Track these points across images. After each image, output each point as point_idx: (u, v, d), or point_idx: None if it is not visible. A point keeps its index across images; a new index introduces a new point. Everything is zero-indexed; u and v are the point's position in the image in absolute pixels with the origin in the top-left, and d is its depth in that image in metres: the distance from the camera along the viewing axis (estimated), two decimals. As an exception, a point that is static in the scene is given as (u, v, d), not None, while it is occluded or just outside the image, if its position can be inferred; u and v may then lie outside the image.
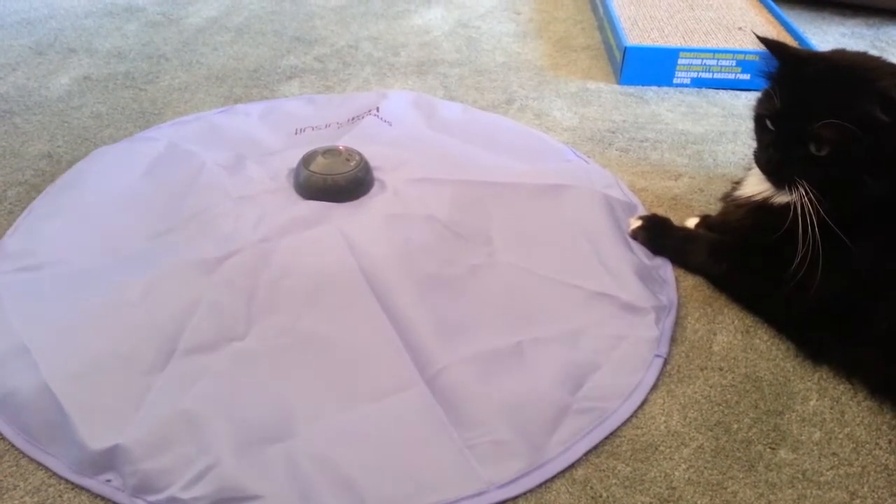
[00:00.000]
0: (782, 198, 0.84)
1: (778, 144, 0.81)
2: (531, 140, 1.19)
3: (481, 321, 0.82)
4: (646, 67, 1.39)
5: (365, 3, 1.75)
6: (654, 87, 1.39)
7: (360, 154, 0.99)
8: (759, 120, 0.85)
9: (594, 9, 1.71)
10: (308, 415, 0.70)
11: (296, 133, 1.15)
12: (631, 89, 1.39)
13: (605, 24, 1.55)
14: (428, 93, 1.35)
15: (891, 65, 0.81)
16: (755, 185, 0.90)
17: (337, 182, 0.94)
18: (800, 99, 0.79)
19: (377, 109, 1.19)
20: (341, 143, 1.03)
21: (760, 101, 0.86)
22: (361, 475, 0.66)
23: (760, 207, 0.88)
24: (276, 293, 0.81)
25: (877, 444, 0.72)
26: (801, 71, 0.82)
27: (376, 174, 1.00)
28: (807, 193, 0.78)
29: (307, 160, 0.96)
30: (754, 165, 0.90)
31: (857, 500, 0.67)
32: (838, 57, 0.85)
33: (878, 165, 0.76)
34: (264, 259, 0.84)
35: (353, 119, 1.18)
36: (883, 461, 0.71)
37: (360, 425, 0.70)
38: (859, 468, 0.70)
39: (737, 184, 0.96)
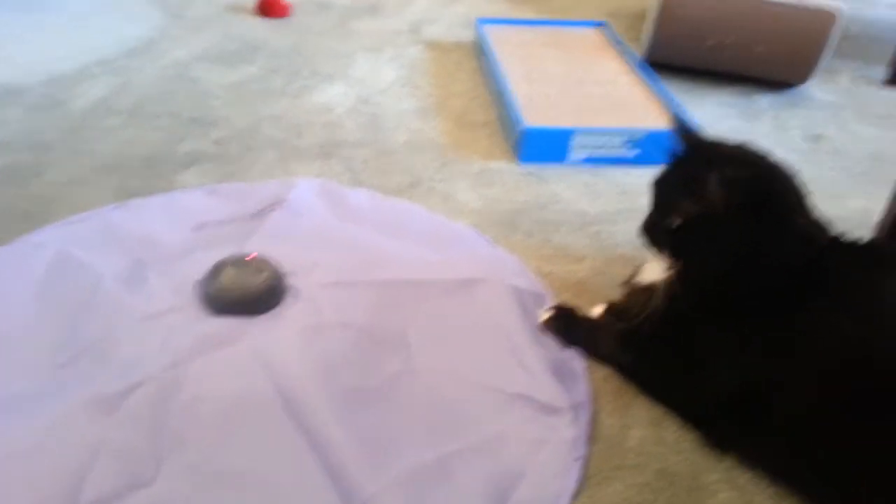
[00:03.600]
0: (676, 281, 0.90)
1: (654, 211, 0.93)
2: (439, 227, 1.20)
3: (404, 435, 0.81)
4: (543, 147, 1.44)
5: (264, 80, 1.74)
6: (552, 166, 1.45)
7: (270, 264, 0.97)
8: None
9: (488, 84, 1.77)
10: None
11: (196, 230, 1.12)
12: (530, 168, 1.44)
13: (501, 101, 1.60)
14: (333, 178, 1.35)
15: (755, 160, 0.89)
16: (655, 271, 0.95)
17: (248, 296, 0.92)
18: (671, 174, 0.92)
19: (286, 202, 1.17)
20: (250, 249, 1.00)
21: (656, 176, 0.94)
22: None
23: (655, 291, 0.93)
24: (187, 424, 0.77)
25: (783, 534, 0.77)
26: (685, 152, 0.92)
27: (289, 280, 0.98)
28: (673, 264, 0.88)
29: (216, 272, 0.93)
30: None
31: None
32: (724, 146, 0.93)
33: (721, 247, 0.85)
34: (173, 387, 0.80)
35: (259, 212, 1.16)
36: (791, 553, 0.75)
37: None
38: (771, 563, 0.74)
39: (637, 269, 1.01)
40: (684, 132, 0.93)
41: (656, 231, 0.92)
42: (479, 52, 1.92)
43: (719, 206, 0.83)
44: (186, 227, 1.11)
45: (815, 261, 0.83)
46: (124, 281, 0.96)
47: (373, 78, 1.80)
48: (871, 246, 0.94)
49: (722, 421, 0.86)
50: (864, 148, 1.63)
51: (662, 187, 0.92)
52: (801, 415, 0.79)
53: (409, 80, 1.80)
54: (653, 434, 0.88)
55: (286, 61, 1.85)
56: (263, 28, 2.06)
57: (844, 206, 1.38)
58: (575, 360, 0.96)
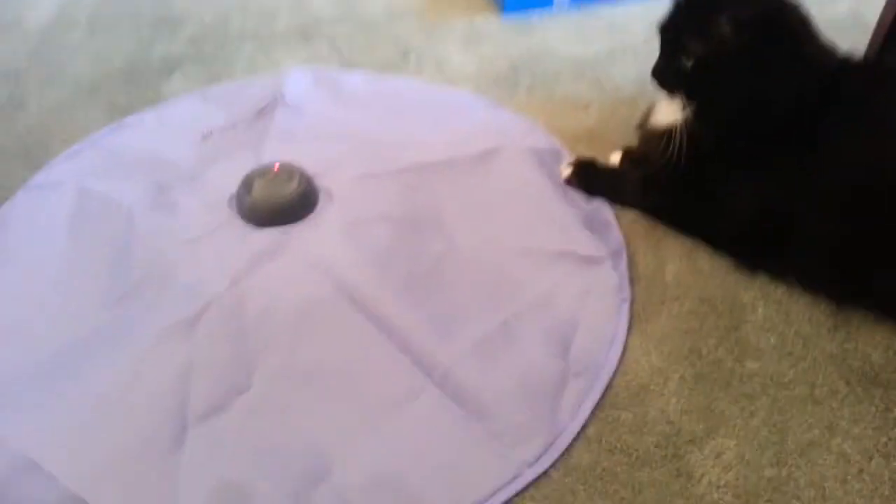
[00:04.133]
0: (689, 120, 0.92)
1: (663, 55, 0.93)
2: (441, 99, 1.20)
3: (464, 309, 0.86)
4: (526, -6, 1.40)
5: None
6: (537, 13, 1.42)
7: (298, 169, 0.97)
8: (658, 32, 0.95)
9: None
10: (339, 448, 0.74)
11: (203, 139, 1.10)
12: (516, 19, 1.40)
13: (474, -50, 1.52)
14: (321, 62, 1.31)
15: None
16: (665, 113, 0.97)
17: (284, 205, 0.93)
18: (680, 15, 0.91)
19: (283, 96, 1.15)
20: (267, 156, 1.00)
21: (662, 18, 0.94)
22: (408, 492, 0.71)
23: (673, 134, 0.95)
24: (264, 334, 0.81)
25: (819, 334, 0.85)
26: None
27: (317, 181, 0.98)
28: (684, 105, 0.90)
29: (247, 186, 0.94)
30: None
31: (816, 390, 0.80)
32: None
33: (737, 83, 0.86)
34: (240, 304, 0.83)
35: (260, 112, 1.14)
36: (828, 350, 0.83)
37: (390, 443, 0.74)
38: (811, 361, 0.82)
39: (648, 111, 1.03)
40: None
41: (668, 74, 0.92)
42: None
43: (731, 44, 0.84)
44: (193, 139, 1.10)
45: (825, 86, 0.86)
46: (154, 207, 0.96)
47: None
48: (875, 65, 0.96)
49: (750, 243, 0.92)
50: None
51: (670, 31, 0.92)
52: (821, 228, 0.85)
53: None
54: (687, 266, 0.94)
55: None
56: None
57: (833, 10, 1.38)
58: (603, 209, 1.00)
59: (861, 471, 0.72)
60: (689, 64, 0.88)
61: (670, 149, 0.95)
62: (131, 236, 0.92)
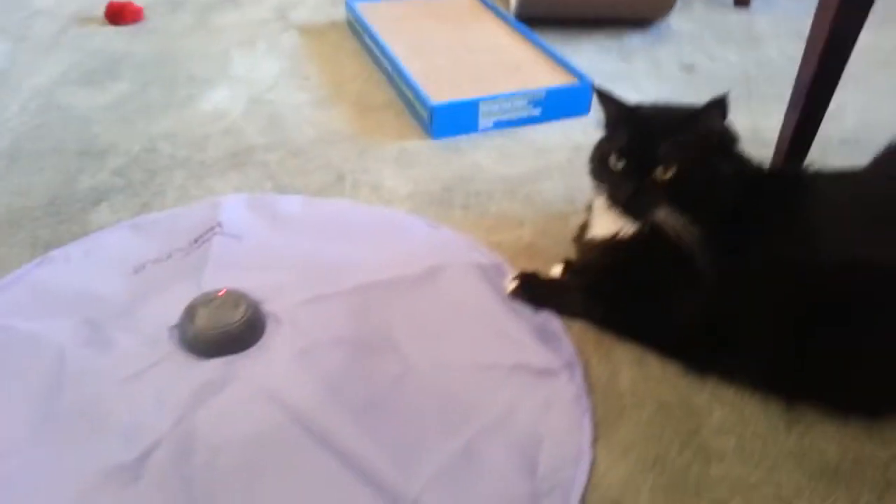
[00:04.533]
0: (628, 231, 0.96)
1: (626, 178, 0.93)
2: (379, 220, 1.21)
3: (425, 433, 0.83)
4: (453, 121, 1.47)
5: (141, 95, 1.63)
6: (464, 137, 1.48)
7: (243, 295, 0.94)
8: (604, 161, 0.96)
9: (377, 63, 1.76)
10: None
11: (135, 272, 1.05)
12: (444, 142, 1.46)
13: (399, 81, 1.60)
14: (254, 187, 1.31)
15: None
16: (604, 226, 1.00)
17: (231, 333, 0.88)
18: (639, 135, 0.93)
19: (220, 225, 1.13)
20: (207, 284, 0.97)
21: (601, 144, 0.98)
22: None
23: (612, 246, 0.99)
24: (215, 478, 0.75)
25: (776, 432, 0.86)
26: (631, 117, 0.97)
27: (263, 307, 0.95)
28: (672, 215, 0.90)
29: (190, 315, 0.89)
30: (594, 206, 1.02)
31: (783, 490, 0.80)
32: (655, 105, 1.00)
33: (710, 184, 0.91)
34: (187, 443, 0.77)
35: (196, 241, 1.11)
36: (786, 447, 0.85)
37: (360, 587, 0.69)
38: (772, 460, 0.83)
39: (584, 226, 1.07)
40: (615, 100, 0.98)
41: (638, 195, 0.91)
42: (357, 32, 1.90)
43: (707, 147, 0.90)
44: (124, 273, 1.05)
45: (750, 193, 0.92)
46: (86, 345, 0.90)
47: (255, 74, 1.74)
48: (789, 172, 1.06)
49: (696, 347, 0.95)
50: (731, 71, 1.78)
51: (630, 152, 0.92)
52: (760, 329, 0.89)
53: (294, 71, 1.76)
54: (640, 372, 0.95)
55: (157, 71, 1.75)
56: (119, 38, 1.92)
57: (736, 125, 1.51)
58: (552, 320, 1.01)
59: (840, 570, 0.72)
60: (668, 175, 0.90)
61: (613, 259, 0.99)
62: (62, 377, 0.85)
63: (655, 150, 0.90)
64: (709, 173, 0.91)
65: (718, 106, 0.90)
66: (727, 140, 0.95)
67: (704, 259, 0.89)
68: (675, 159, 0.89)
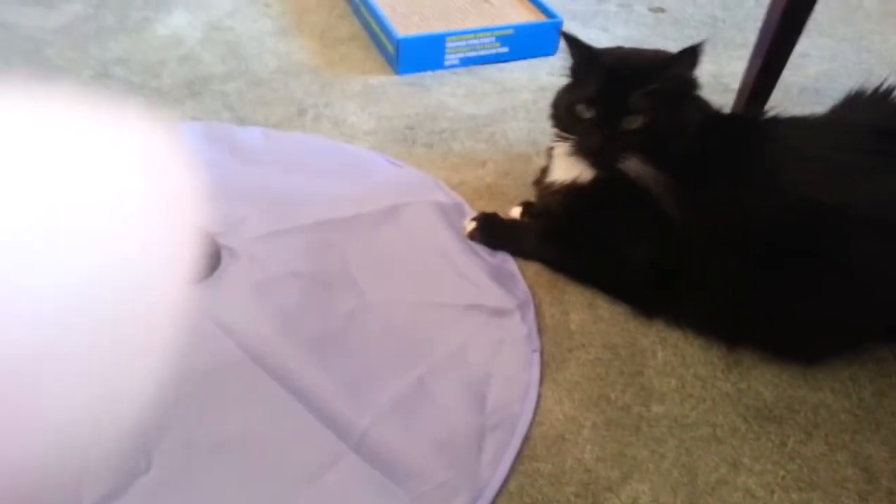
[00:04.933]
0: (587, 177, 0.97)
1: (595, 127, 0.92)
2: (342, 155, 1.19)
3: (378, 367, 0.84)
4: (419, 56, 1.44)
5: (94, 18, 1.56)
6: (430, 73, 1.45)
7: (199, 228, 0.92)
8: (570, 109, 0.95)
9: (344, -8, 1.70)
10: (254, 524, 0.69)
11: (86, 199, 1.03)
12: (410, 78, 1.43)
13: (366, 13, 1.56)
14: (212, 117, 1.28)
15: (662, 51, 0.97)
16: (564, 171, 1.01)
17: (187, 263, 0.88)
18: (608, 84, 0.91)
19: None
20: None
21: (567, 92, 0.98)
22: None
23: (572, 191, 0.99)
24: (162, 406, 0.76)
25: (715, 375, 0.90)
26: (598, 63, 0.95)
27: (219, 240, 0.94)
28: (642, 163, 0.90)
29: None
30: (555, 150, 1.02)
31: (718, 430, 0.84)
32: (624, 50, 0.99)
33: (678, 131, 0.92)
34: (138, 372, 0.77)
35: (149, 171, 1.08)
36: (724, 390, 0.88)
37: (309, 514, 0.71)
38: (710, 402, 0.87)
39: (545, 169, 1.07)
40: (583, 46, 0.96)
41: (608, 143, 0.91)
42: (323, -42, 1.83)
43: (675, 96, 0.90)
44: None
45: (707, 138, 0.93)
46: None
47: (214, 0, 1.67)
48: (747, 117, 1.06)
49: (645, 291, 0.97)
50: (701, 14, 1.76)
51: (599, 100, 0.91)
52: (708, 274, 0.91)
53: (256, -1, 1.70)
54: (590, 315, 0.97)
55: (112, -8, 1.67)
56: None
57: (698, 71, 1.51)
58: (508, 261, 1.02)
59: (765, 504, 0.76)
60: (637, 124, 0.90)
61: (571, 204, 1.00)
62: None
63: (625, 100, 0.89)
64: (677, 122, 0.91)
65: (690, 55, 0.90)
66: (690, 86, 0.95)
67: (672, 206, 0.90)
68: (645, 109, 0.89)
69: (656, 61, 0.94)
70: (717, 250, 0.90)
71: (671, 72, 0.91)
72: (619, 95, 0.90)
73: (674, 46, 0.93)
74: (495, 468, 0.77)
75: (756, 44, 1.21)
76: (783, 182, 0.90)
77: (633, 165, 0.91)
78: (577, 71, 0.98)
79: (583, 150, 0.95)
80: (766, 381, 0.89)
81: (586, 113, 0.93)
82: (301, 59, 1.47)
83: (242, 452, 0.74)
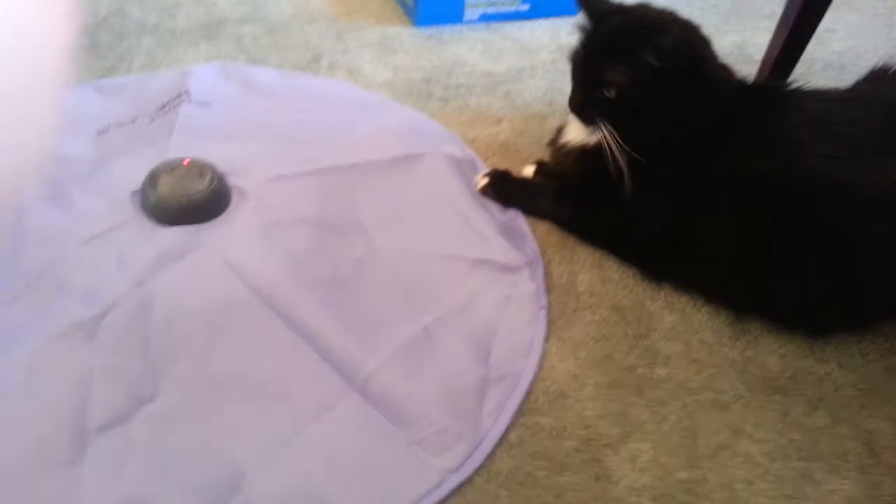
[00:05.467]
0: (596, 139, 0.95)
1: (581, 87, 0.95)
2: (358, 100, 1.18)
3: (385, 314, 0.84)
4: (438, 8, 1.41)
5: (110, -47, 1.53)
6: (448, 27, 1.43)
7: (210, 166, 0.91)
8: (571, 66, 0.97)
9: (365, -59, 1.66)
10: (255, 458, 0.69)
11: (98, 134, 1.02)
12: (428, 31, 1.41)
13: (386, -39, 1.52)
14: (226, 60, 1.26)
15: (675, 19, 0.94)
16: (576, 132, 1.00)
17: (195, 202, 0.87)
18: (597, 47, 0.93)
19: (187, 93, 1.09)
20: (173, 151, 0.94)
21: (573, 49, 0.96)
22: (328, 501, 0.68)
23: (583, 152, 0.99)
24: (172, 339, 0.76)
25: (721, 342, 0.89)
26: (603, 23, 0.94)
27: (229, 180, 0.94)
28: (610, 133, 0.90)
29: (153, 181, 0.87)
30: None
31: (722, 396, 0.84)
32: (636, 11, 0.96)
33: (660, 108, 0.89)
34: (146, 305, 0.77)
35: (163, 107, 1.07)
36: (730, 357, 0.88)
37: (309, 452, 0.71)
38: (715, 368, 0.86)
39: (560, 130, 1.06)
40: (592, 5, 0.94)
41: (587, 107, 0.94)
42: None
43: (654, 71, 0.87)
44: (88, 133, 1.02)
45: (726, 106, 0.91)
46: (46, 204, 0.88)
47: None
48: (770, 87, 1.04)
49: (656, 256, 0.96)
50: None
51: (585, 63, 0.94)
52: (721, 242, 0.90)
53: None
54: (598, 276, 0.97)
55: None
56: None
57: (720, 43, 1.47)
58: (519, 219, 1.02)
59: (766, 472, 0.76)
60: (612, 94, 0.90)
61: (583, 166, 0.98)
62: (21, 234, 0.83)
63: (602, 71, 0.90)
64: (657, 99, 0.89)
65: (675, 41, 0.86)
66: (695, 59, 0.91)
67: (627, 182, 0.90)
68: (616, 83, 0.89)
69: (644, 33, 0.88)
70: (730, 218, 0.89)
71: (650, 51, 0.86)
72: (597, 64, 0.91)
73: (699, 15, 0.91)
74: (496, 418, 0.77)
75: (782, 15, 1.19)
76: (801, 154, 0.88)
77: (603, 130, 0.91)
78: (583, 27, 0.96)
79: (569, 104, 0.96)
80: (772, 351, 0.89)
81: (575, 72, 0.95)
82: (318, 7, 1.45)
83: (247, 388, 0.74)
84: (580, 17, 0.97)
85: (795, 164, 0.88)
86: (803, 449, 0.79)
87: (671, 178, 0.92)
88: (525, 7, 1.48)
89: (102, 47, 1.25)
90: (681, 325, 0.91)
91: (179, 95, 1.09)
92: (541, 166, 1.09)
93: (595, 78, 0.91)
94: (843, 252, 0.85)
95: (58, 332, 0.74)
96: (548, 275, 0.96)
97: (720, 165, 0.90)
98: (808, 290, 0.88)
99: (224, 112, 1.07)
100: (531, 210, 1.04)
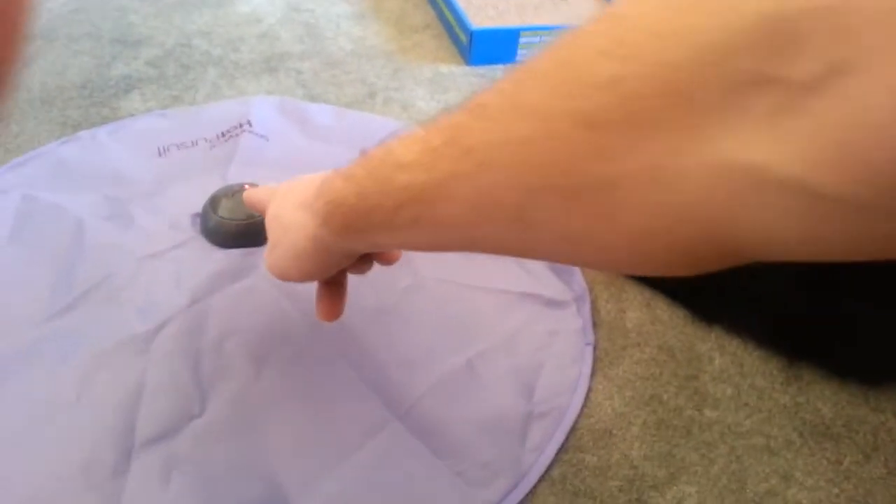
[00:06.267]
0: None
1: None
2: (408, 138, 1.20)
3: (429, 345, 0.85)
4: (491, 48, 1.44)
5: (179, -9, 1.61)
6: (501, 66, 1.46)
7: (267, 191, 0.94)
8: None
9: (422, -17, 1.72)
10: (297, 480, 0.70)
11: (159, 154, 1.06)
12: (481, 70, 1.44)
13: (441, 3, 1.57)
14: (285, 93, 1.30)
15: None
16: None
17: (253, 226, 0.89)
18: None
19: (249, 123, 1.13)
20: (232, 178, 0.97)
21: None
22: (369, 528, 0.68)
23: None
24: (222, 358, 0.77)
25: (773, 387, 0.87)
26: None
27: (283, 207, 0.96)
28: None
29: (214, 204, 0.90)
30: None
31: (772, 441, 0.81)
32: None
33: None
34: (199, 324, 0.79)
35: (224, 134, 1.11)
36: (781, 402, 0.85)
37: (351, 477, 0.71)
38: (766, 413, 0.84)
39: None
40: None
41: None
42: (404, -51, 1.85)
43: None
44: (148, 154, 1.06)
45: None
46: (108, 220, 0.91)
47: (297, -18, 1.71)
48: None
49: (706, 297, 0.95)
50: None
51: None
52: (773, 285, 0.89)
53: (337, -17, 1.73)
54: (647, 315, 0.96)
55: (199, -33, 1.72)
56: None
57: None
58: (566, 255, 1.01)
59: (817, 521, 0.74)
60: None
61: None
62: (80, 248, 0.86)
63: None
64: None
65: None
66: None
67: None
68: None
69: None
70: (785, 267, 0.88)
71: None
72: None
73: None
74: (539, 454, 0.76)
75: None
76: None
77: None
78: None
79: None
80: (825, 398, 0.86)
81: None
82: (375, 44, 1.49)
83: (292, 411, 0.75)
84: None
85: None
86: (856, 499, 0.76)
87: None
88: (577, 48, 1.49)
89: (170, 78, 1.31)
90: (731, 368, 0.90)
91: (241, 125, 1.13)
92: (590, 203, 1.09)
93: None
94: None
95: (112, 345, 0.76)
96: (595, 311, 0.95)
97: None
98: (865, 339, 0.86)
99: (281, 146, 1.10)
100: (579, 246, 1.04)
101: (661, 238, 0.36)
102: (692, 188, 0.32)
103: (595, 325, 0.93)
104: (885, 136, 0.26)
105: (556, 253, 0.45)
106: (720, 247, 0.35)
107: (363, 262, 0.70)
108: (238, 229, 0.89)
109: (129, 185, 0.99)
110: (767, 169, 0.29)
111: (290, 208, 0.64)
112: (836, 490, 0.77)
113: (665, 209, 0.34)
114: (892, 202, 0.27)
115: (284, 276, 0.68)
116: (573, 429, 0.80)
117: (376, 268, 0.93)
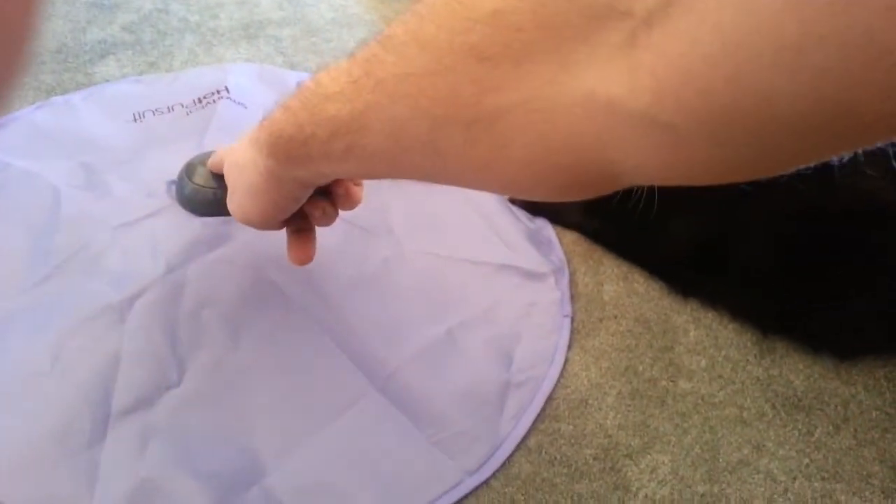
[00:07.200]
0: None
1: None
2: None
3: (408, 315, 0.85)
4: (475, 18, 1.42)
5: (157, -46, 1.57)
6: (484, 36, 1.44)
7: (245, 159, 0.93)
8: None
9: (405, -50, 1.69)
10: (274, 448, 0.70)
11: (134, 120, 1.04)
12: (464, 40, 1.42)
13: (425, -30, 1.54)
14: (265, 61, 1.28)
15: None
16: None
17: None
18: None
19: (227, 90, 1.11)
20: (210, 146, 0.96)
21: None
22: (344, 499, 0.68)
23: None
24: (199, 327, 0.77)
25: (747, 360, 0.89)
26: None
27: (261, 175, 0.95)
28: None
29: (189, 172, 0.89)
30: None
31: (745, 412, 0.83)
32: None
33: None
34: (175, 293, 0.79)
35: (200, 100, 1.09)
36: (754, 374, 0.87)
37: (329, 446, 0.72)
38: (740, 384, 0.86)
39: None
40: None
41: None
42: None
43: None
44: (122, 119, 1.04)
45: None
46: (82, 188, 0.90)
47: (277, -53, 1.67)
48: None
49: (683, 270, 0.96)
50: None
51: None
52: (750, 259, 0.90)
53: (318, -51, 1.69)
54: (624, 287, 0.96)
55: (177, -70, 1.67)
56: None
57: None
58: (546, 228, 1.02)
59: (786, 490, 0.75)
60: None
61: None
62: (55, 217, 0.85)
63: None
64: None
65: None
66: None
67: (657, 194, 0.89)
68: None
69: None
70: (763, 235, 0.89)
71: None
72: None
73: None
74: (516, 423, 0.77)
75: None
76: (840, 168, 0.87)
77: None
78: None
79: None
80: (797, 371, 0.88)
81: None
82: (356, 12, 1.47)
83: (270, 380, 0.75)
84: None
85: (834, 178, 0.87)
86: (826, 469, 0.78)
87: (703, 191, 0.91)
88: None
89: (146, 44, 1.28)
90: (706, 340, 0.91)
91: (218, 91, 1.11)
92: (571, 176, 1.09)
93: None
94: (879, 276, 0.84)
95: (88, 314, 0.75)
96: (573, 284, 0.96)
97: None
98: (839, 312, 0.87)
99: (259, 116, 1.08)
100: (559, 219, 1.04)
101: (548, 166, 0.38)
102: (566, 119, 0.35)
103: (573, 297, 0.94)
104: (713, 68, 0.28)
105: (470, 181, 0.48)
106: (599, 174, 0.38)
107: (323, 204, 0.70)
108: (214, 196, 0.88)
109: (104, 152, 0.97)
110: (622, 103, 0.32)
111: (241, 149, 0.67)
112: (806, 460, 0.78)
113: (546, 139, 0.36)
114: (724, 129, 0.30)
115: (246, 220, 0.69)
116: (550, 398, 0.81)
117: (357, 237, 0.93)
